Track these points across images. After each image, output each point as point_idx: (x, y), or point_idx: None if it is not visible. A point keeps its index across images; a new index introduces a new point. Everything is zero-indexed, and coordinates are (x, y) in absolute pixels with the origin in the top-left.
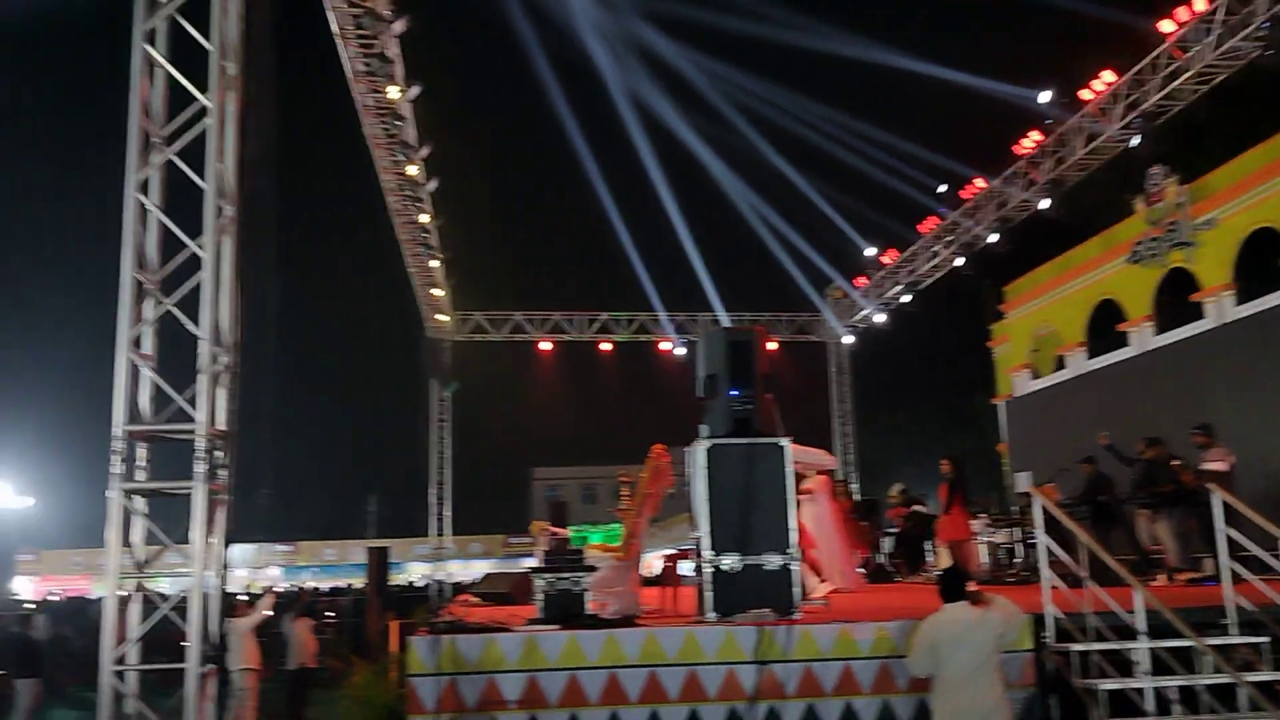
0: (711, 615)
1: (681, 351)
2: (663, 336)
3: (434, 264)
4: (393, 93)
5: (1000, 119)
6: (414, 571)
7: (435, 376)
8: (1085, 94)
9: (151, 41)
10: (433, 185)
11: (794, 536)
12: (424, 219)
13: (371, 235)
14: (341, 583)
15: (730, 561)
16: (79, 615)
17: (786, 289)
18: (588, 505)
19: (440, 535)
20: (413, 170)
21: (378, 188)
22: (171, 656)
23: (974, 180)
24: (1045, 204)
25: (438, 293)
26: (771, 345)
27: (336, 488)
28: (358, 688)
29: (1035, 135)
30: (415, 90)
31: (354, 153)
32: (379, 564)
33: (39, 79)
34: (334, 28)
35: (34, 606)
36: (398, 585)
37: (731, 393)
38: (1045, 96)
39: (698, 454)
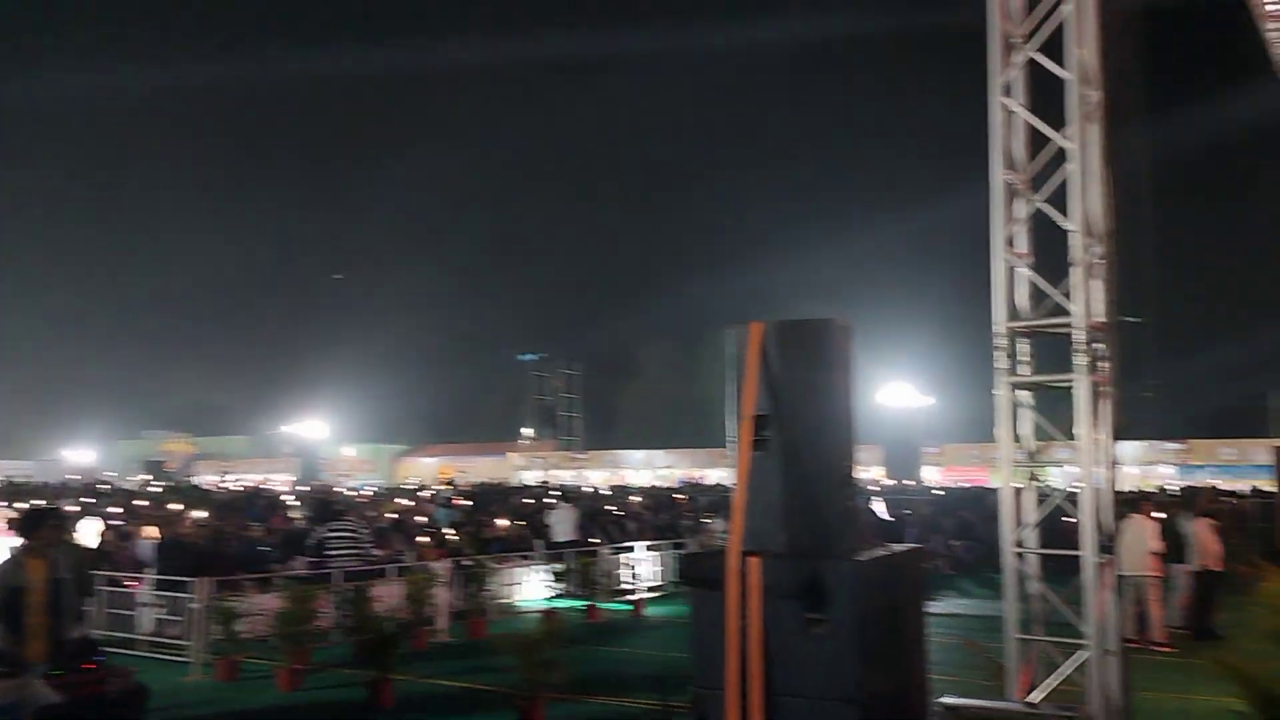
0: None
1: None
2: None
3: None
4: None
5: None
6: None
7: None
8: None
9: None
10: None
11: None
12: None
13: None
14: (1242, 484)
15: None
16: (977, 503)
17: None
18: None
19: None
20: None
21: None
22: (1067, 545)
23: None
24: None
25: None
26: None
27: (1231, 382)
28: (1271, 595)
29: None
30: None
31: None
32: None
33: None
34: None
35: (941, 493)
36: None
37: None
38: None
39: None
